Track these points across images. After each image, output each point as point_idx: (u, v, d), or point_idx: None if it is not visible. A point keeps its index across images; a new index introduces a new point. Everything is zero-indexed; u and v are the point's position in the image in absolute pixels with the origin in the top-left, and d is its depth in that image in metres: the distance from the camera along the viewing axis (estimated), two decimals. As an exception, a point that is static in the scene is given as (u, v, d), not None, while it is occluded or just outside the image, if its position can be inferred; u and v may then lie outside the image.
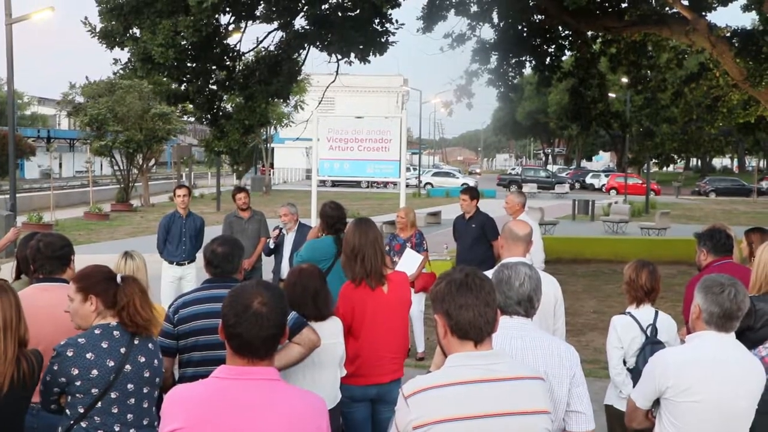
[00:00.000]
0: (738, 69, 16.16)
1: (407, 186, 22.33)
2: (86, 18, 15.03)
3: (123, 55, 15.46)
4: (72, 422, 4.34)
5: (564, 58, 21.42)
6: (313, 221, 12.32)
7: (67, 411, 4.37)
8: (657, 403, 4.36)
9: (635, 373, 5.58)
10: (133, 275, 5.00)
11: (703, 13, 16.92)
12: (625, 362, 5.92)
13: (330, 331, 5.52)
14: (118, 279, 4.55)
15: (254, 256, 12.25)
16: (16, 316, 4.29)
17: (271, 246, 11.49)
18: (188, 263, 12.03)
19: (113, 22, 14.63)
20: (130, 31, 14.69)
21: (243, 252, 5.66)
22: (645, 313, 5.94)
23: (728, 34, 16.81)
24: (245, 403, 3.06)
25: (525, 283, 4.03)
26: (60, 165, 71.61)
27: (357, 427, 6.19)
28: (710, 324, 4.25)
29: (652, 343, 5.75)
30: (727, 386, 4.13)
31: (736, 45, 16.37)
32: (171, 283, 11.88)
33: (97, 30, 14.89)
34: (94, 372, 4.29)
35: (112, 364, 4.34)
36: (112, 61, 15.56)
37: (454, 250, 12.85)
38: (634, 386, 4.78)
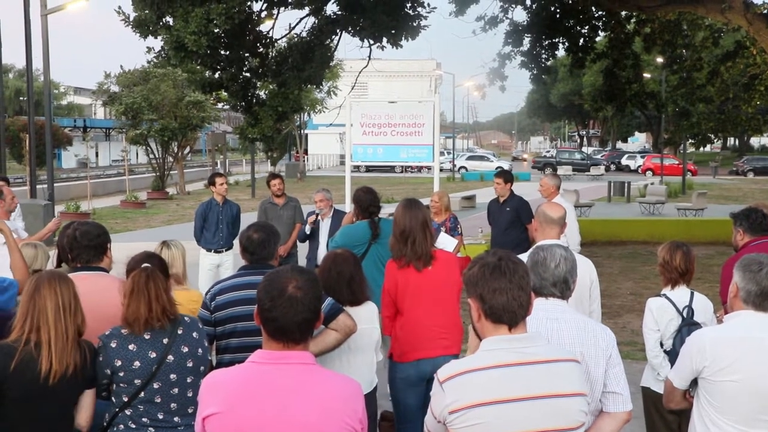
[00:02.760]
0: (775, 46, 15.94)
1: (441, 170, 22.16)
2: (120, 7, 15.11)
3: (156, 43, 15.55)
4: (117, 410, 4.41)
5: (598, 39, 21.21)
6: (347, 207, 12.33)
7: (113, 399, 4.44)
8: (695, 383, 4.34)
9: (672, 355, 5.56)
10: (170, 264, 5.02)
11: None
12: (662, 344, 5.89)
13: (366, 316, 5.52)
14: (143, 265, 4.58)
15: (290, 243, 12.23)
16: (75, 302, 4.35)
17: (307, 232, 11.36)
18: (226, 251, 12.04)
19: (146, 11, 14.67)
20: (163, 19, 14.72)
21: (279, 238, 5.65)
22: (680, 294, 5.90)
23: (765, 11, 16.58)
24: (281, 387, 3.08)
25: (560, 264, 4.03)
26: (96, 154, 71.91)
27: (408, 413, 6.10)
28: (748, 303, 4.22)
29: (688, 325, 5.71)
30: (765, 365, 4.09)
31: (773, 22, 16.12)
32: (209, 270, 11.92)
33: (131, 19, 14.95)
34: (137, 363, 4.35)
35: (154, 355, 4.38)
36: (145, 49, 15.68)
37: (489, 234, 12.82)
38: (671, 368, 4.75)
